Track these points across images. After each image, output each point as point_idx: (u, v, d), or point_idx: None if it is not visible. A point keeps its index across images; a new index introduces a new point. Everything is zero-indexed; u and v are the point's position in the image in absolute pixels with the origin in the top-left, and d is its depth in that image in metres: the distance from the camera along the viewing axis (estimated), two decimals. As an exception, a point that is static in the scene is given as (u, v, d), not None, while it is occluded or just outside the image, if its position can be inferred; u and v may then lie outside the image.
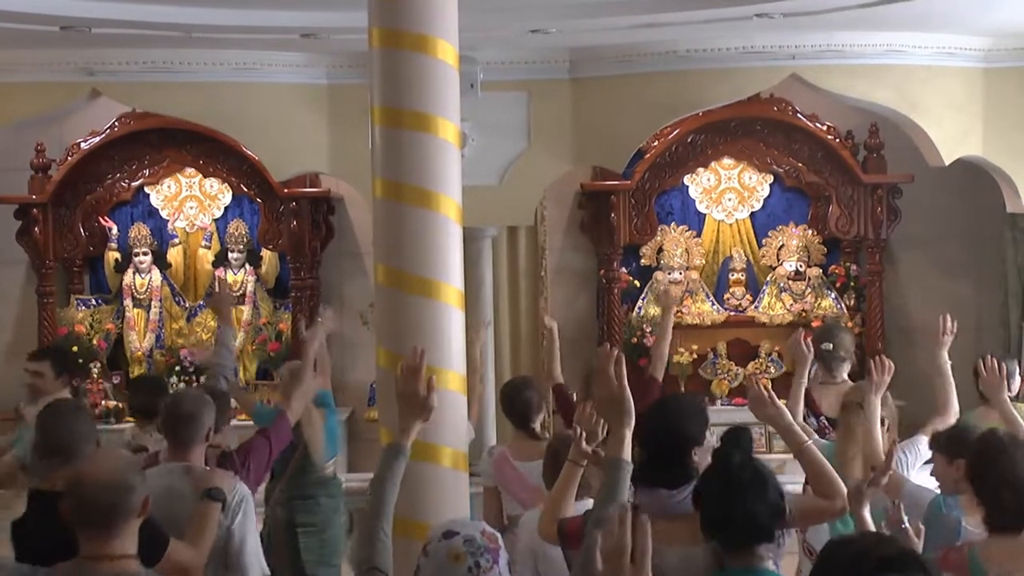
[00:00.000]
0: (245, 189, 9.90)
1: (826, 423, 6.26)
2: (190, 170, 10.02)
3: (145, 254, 9.97)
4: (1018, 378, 6.48)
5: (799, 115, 9.70)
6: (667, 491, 3.93)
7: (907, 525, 3.66)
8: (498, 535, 3.35)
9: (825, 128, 9.73)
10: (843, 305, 9.88)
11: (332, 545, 6.91)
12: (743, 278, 10.11)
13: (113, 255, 10.04)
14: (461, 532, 3.25)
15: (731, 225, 10.22)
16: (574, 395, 8.16)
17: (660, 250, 10.04)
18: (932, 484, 5.03)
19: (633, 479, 3.98)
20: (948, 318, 5.92)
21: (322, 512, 6.81)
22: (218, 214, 10.20)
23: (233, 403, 6.59)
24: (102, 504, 3.29)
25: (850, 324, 9.73)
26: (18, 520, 4.17)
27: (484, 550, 3.22)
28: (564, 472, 4.26)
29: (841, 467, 5.28)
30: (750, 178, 10.13)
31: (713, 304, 10.01)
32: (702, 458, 3.96)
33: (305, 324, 8.59)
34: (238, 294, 10.00)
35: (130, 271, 10.00)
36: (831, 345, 6.88)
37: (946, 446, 4.94)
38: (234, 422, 9.49)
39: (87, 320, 9.85)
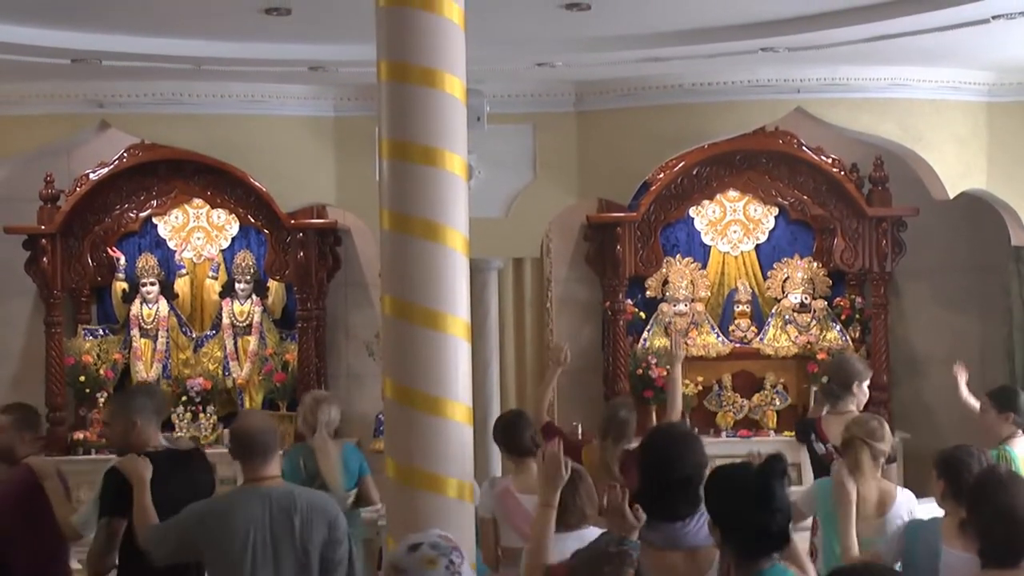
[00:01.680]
0: (252, 220, 9.94)
1: (832, 450, 6.31)
2: (198, 201, 10.07)
3: (152, 284, 9.99)
4: None
5: (804, 148, 9.74)
6: (671, 524, 3.94)
7: None
8: (450, 535, 3.49)
9: (830, 161, 9.77)
10: (848, 337, 9.90)
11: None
12: (748, 310, 10.13)
13: (120, 285, 10.06)
14: (424, 541, 3.40)
15: (736, 257, 10.24)
16: (579, 428, 8.15)
17: (665, 282, 10.07)
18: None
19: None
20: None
21: None
22: (225, 245, 10.24)
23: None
24: (260, 444, 4.83)
25: (855, 356, 9.76)
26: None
27: (450, 549, 3.37)
28: (537, 518, 4.24)
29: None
30: (755, 210, 10.16)
31: (718, 336, 10.03)
32: None
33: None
34: (244, 324, 10.05)
35: (137, 301, 10.03)
36: (825, 378, 6.92)
37: (936, 462, 5.05)
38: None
39: (94, 350, 9.87)
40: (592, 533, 4.68)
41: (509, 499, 5.77)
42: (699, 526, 3.88)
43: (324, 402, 6.88)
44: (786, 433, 9.75)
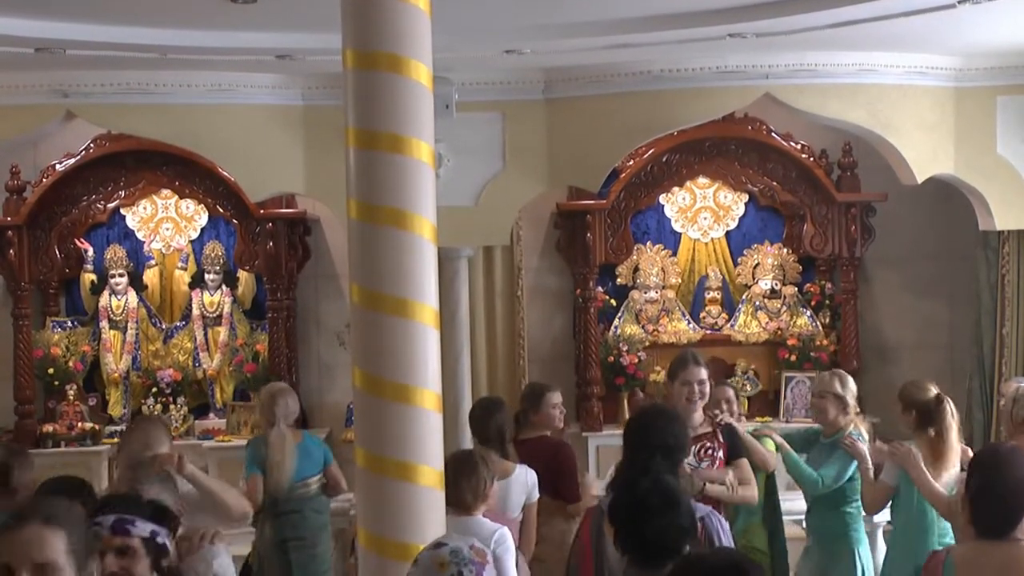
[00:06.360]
0: (221, 210, 9.89)
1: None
2: (166, 191, 10.01)
3: (121, 276, 9.94)
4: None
5: (773, 134, 9.76)
6: None
7: None
8: (487, 551, 3.50)
9: (799, 147, 9.79)
10: (818, 323, 9.94)
11: (322, 561, 6.95)
12: (719, 297, 10.15)
13: (89, 277, 10.00)
14: (449, 544, 3.43)
15: (707, 244, 10.26)
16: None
17: (636, 269, 10.08)
18: None
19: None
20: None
21: (309, 527, 6.87)
22: (194, 235, 10.19)
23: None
24: None
25: (825, 342, 9.80)
26: None
27: (469, 561, 3.37)
28: None
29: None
30: (725, 197, 10.18)
31: (689, 323, 10.05)
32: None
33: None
34: (214, 315, 10.00)
35: (106, 293, 9.97)
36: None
37: (902, 395, 6.06)
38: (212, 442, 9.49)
39: (63, 342, 9.80)
40: (479, 522, 4.98)
41: None
42: None
43: (280, 395, 6.97)
44: (757, 418, 9.80)
